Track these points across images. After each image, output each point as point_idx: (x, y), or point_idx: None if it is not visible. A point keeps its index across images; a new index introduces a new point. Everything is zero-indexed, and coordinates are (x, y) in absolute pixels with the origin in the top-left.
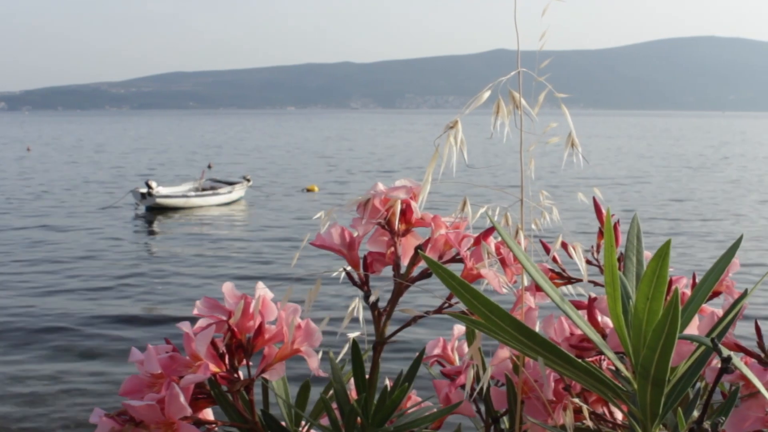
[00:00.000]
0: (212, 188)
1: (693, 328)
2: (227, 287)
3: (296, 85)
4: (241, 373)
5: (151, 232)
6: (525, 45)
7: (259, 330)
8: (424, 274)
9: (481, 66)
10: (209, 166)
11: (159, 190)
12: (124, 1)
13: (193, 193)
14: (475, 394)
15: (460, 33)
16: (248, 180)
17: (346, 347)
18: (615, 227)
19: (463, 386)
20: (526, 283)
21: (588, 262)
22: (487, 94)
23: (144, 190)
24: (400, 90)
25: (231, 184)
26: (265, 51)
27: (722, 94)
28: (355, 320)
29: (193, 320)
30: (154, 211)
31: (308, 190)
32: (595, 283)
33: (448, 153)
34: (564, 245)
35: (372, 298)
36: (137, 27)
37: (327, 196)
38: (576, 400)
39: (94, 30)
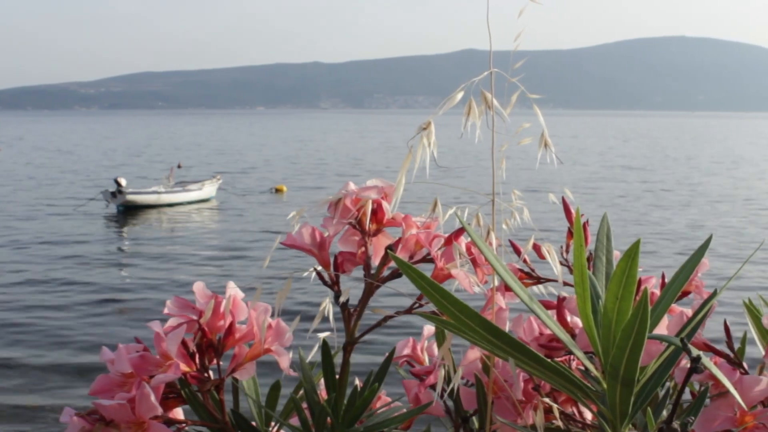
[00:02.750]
0: (182, 187)
1: (662, 328)
2: (198, 287)
3: (266, 85)
4: (211, 373)
5: (122, 232)
6: (495, 45)
7: (230, 329)
8: (395, 274)
9: (451, 66)
10: (179, 166)
11: (129, 188)
12: (93, 1)
13: (163, 191)
14: (446, 395)
15: (429, 33)
16: (218, 178)
17: (317, 347)
18: (584, 227)
19: (432, 386)
20: (496, 283)
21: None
22: (460, 95)
23: (113, 189)
24: (369, 90)
25: (200, 182)
26: (235, 51)
27: (691, 95)
28: (326, 320)
29: (163, 319)
30: (125, 209)
31: (277, 190)
32: (565, 283)
33: (422, 154)
34: (536, 246)
35: (342, 298)
36: (107, 27)
37: (296, 196)
38: (546, 399)
39: (64, 30)
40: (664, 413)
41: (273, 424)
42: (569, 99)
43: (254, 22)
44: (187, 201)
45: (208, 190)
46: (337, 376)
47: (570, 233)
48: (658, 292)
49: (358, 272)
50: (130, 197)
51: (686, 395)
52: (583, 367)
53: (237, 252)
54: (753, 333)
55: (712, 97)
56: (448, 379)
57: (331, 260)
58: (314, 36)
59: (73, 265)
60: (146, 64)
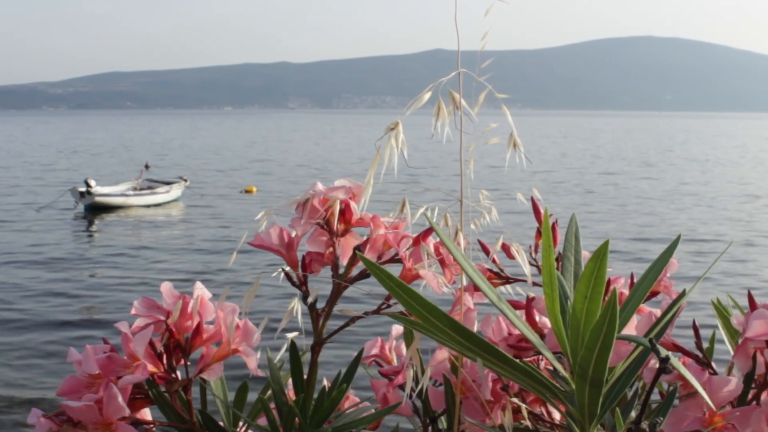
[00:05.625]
0: (150, 188)
1: (631, 328)
2: (165, 287)
3: (233, 85)
4: (179, 373)
5: (90, 232)
6: (463, 45)
7: (198, 330)
8: (363, 275)
9: (419, 66)
10: (147, 166)
11: (97, 189)
12: (61, 0)
13: (131, 192)
14: (414, 395)
15: (397, 33)
16: (185, 180)
17: (285, 347)
18: (553, 227)
19: (400, 386)
20: (465, 283)
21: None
22: (428, 96)
23: (83, 188)
24: (337, 90)
25: (168, 183)
26: (203, 51)
27: (659, 94)
28: (294, 320)
29: (131, 320)
30: (93, 210)
31: (246, 191)
32: (535, 283)
33: (390, 154)
34: (505, 246)
35: (310, 299)
36: (75, 26)
37: (265, 197)
38: (514, 399)
39: (32, 30)
40: (633, 414)
41: (241, 424)
42: (537, 99)
43: (222, 22)
44: (155, 203)
45: (176, 191)
46: (306, 377)
47: (539, 233)
48: (626, 292)
49: (327, 272)
50: (98, 198)
51: (655, 395)
52: (551, 367)
53: (205, 252)
54: (722, 333)
55: (679, 96)
56: (416, 379)
57: (299, 260)
58: (282, 36)
59: (39, 264)
60: (114, 64)
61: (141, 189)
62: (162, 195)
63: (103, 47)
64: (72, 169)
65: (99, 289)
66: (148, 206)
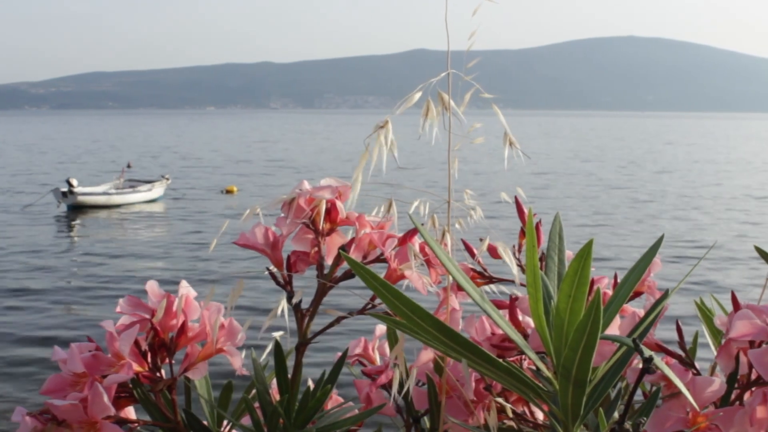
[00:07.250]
0: (132, 187)
1: (615, 329)
2: (151, 286)
3: (216, 85)
4: (163, 372)
5: (72, 232)
6: (444, 45)
7: (182, 329)
8: (348, 275)
9: (401, 66)
10: (129, 166)
11: (80, 188)
12: (44, 0)
13: (114, 191)
14: (400, 396)
15: (379, 33)
16: (167, 179)
17: (269, 347)
18: (537, 227)
19: (383, 386)
20: (450, 283)
21: None
22: (418, 95)
23: (65, 188)
24: (319, 90)
25: (150, 182)
26: (185, 51)
27: (641, 95)
28: (279, 320)
29: (116, 319)
30: (76, 209)
31: (227, 191)
32: (521, 283)
33: (378, 153)
34: (491, 246)
35: (295, 299)
36: (57, 26)
37: (247, 197)
38: (497, 399)
39: (14, 29)
40: (616, 414)
41: (225, 424)
42: (518, 99)
43: (204, 22)
44: (137, 201)
45: (158, 190)
46: (290, 377)
47: (523, 233)
48: (610, 292)
49: (313, 272)
50: (81, 198)
51: (638, 396)
52: (535, 367)
53: (188, 251)
54: (705, 333)
55: (661, 97)
56: (400, 380)
57: (285, 260)
58: (265, 36)
59: (22, 264)
60: (97, 64)
61: (123, 188)
62: (144, 193)
63: (86, 47)
64: (54, 169)
65: (82, 288)
66: (131, 204)
